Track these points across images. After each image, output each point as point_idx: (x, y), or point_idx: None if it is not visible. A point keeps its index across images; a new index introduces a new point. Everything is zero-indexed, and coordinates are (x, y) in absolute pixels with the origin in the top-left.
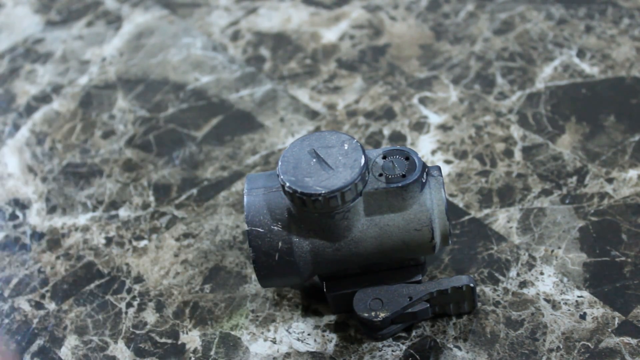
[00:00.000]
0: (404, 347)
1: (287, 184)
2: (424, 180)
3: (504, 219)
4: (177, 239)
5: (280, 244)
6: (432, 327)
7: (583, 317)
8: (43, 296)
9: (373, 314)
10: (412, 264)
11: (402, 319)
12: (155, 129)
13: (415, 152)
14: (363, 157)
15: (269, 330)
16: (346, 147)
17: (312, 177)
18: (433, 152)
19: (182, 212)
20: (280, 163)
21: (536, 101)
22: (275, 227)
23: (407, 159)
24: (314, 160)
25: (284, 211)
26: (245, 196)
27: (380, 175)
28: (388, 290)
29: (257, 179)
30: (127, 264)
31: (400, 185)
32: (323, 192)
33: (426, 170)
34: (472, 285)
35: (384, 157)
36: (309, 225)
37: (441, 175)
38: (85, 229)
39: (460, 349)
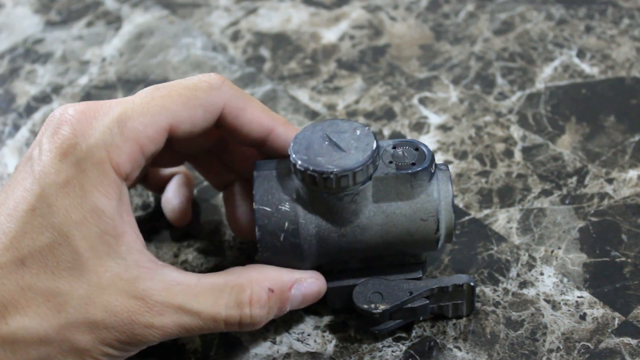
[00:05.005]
0: (404, 348)
1: (299, 162)
2: (432, 171)
3: (504, 220)
4: (177, 239)
5: (286, 224)
6: (432, 327)
7: (583, 317)
8: None
9: (372, 306)
10: (413, 262)
11: (401, 314)
12: None
13: (425, 144)
14: (375, 141)
15: (268, 331)
16: (358, 133)
17: (324, 157)
18: (433, 153)
19: None
20: (292, 144)
21: (536, 101)
22: (283, 207)
23: (416, 149)
24: (327, 142)
25: (292, 192)
26: (254, 175)
27: (390, 162)
28: (388, 284)
29: (266, 162)
30: None
31: (410, 172)
32: (335, 170)
33: (434, 162)
34: (472, 284)
35: (394, 147)
36: (316, 207)
37: (449, 170)
38: None
39: (460, 349)
